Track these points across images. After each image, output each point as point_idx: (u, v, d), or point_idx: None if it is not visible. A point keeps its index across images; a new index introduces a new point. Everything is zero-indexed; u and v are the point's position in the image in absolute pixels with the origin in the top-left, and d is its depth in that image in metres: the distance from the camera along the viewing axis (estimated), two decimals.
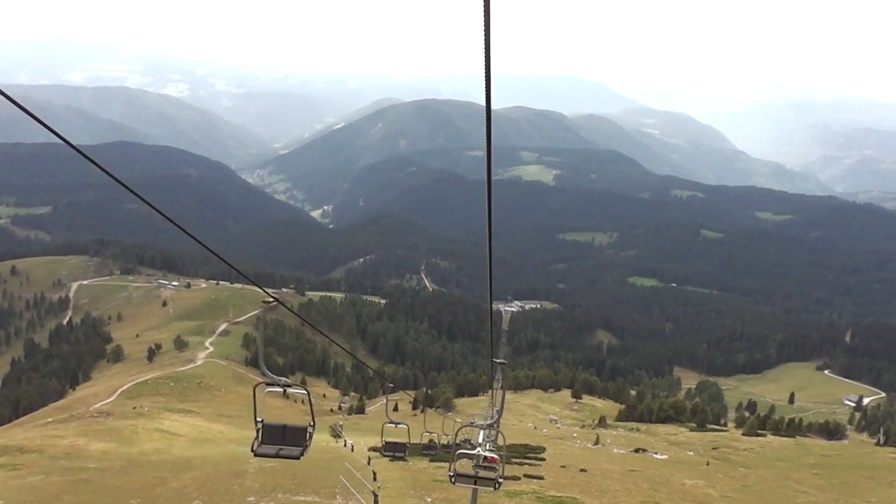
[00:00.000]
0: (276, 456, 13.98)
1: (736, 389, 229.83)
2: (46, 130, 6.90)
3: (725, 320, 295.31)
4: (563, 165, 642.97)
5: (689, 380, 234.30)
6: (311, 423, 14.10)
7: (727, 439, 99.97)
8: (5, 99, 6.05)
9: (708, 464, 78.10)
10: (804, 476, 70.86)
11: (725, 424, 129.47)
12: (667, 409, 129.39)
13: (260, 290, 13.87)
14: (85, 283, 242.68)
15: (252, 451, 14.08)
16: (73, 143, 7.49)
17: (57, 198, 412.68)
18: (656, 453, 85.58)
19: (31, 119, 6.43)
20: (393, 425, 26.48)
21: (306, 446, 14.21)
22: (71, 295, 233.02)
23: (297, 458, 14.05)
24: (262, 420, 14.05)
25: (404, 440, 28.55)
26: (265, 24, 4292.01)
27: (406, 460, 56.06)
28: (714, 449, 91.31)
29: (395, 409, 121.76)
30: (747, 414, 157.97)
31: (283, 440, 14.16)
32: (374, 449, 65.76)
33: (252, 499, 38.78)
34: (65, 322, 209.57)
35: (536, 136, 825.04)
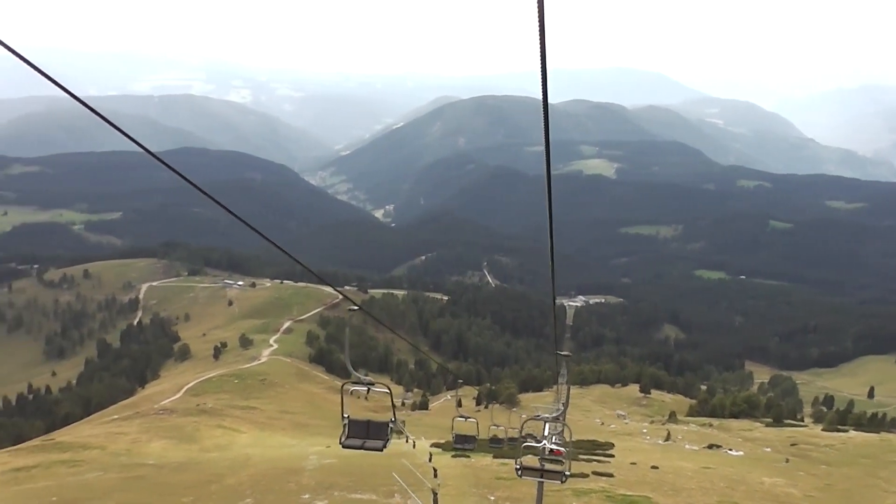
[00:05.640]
0: (362, 448, 15.60)
1: (811, 384, 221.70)
2: (116, 139, 6.18)
3: (797, 313, 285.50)
4: (624, 158, 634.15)
5: (760, 374, 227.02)
6: (393, 419, 15.66)
7: (806, 435, 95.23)
8: (77, 110, 5.62)
9: (787, 461, 74.24)
10: (892, 474, 66.53)
11: (803, 420, 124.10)
12: (740, 404, 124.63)
13: (328, 289, 13.81)
14: (154, 284, 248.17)
15: (340, 443, 15.65)
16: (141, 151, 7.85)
17: (126, 203, 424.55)
18: (731, 450, 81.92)
19: (102, 129, 5.81)
20: (463, 420, 28.31)
21: (388, 440, 15.71)
22: (140, 296, 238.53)
23: (380, 450, 15.59)
24: (349, 416, 15.60)
25: (474, 433, 30.18)
26: (324, 28, 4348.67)
27: (468, 455, 54.53)
28: (793, 445, 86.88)
29: (459, 404, 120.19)
30: (825, 409, 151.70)
31: (367, 434, 15.75)
32: (436, 445, 64.13)
33: (307, 496, 37.47)
34: (135, 322, 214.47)
35: (596, 129, 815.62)
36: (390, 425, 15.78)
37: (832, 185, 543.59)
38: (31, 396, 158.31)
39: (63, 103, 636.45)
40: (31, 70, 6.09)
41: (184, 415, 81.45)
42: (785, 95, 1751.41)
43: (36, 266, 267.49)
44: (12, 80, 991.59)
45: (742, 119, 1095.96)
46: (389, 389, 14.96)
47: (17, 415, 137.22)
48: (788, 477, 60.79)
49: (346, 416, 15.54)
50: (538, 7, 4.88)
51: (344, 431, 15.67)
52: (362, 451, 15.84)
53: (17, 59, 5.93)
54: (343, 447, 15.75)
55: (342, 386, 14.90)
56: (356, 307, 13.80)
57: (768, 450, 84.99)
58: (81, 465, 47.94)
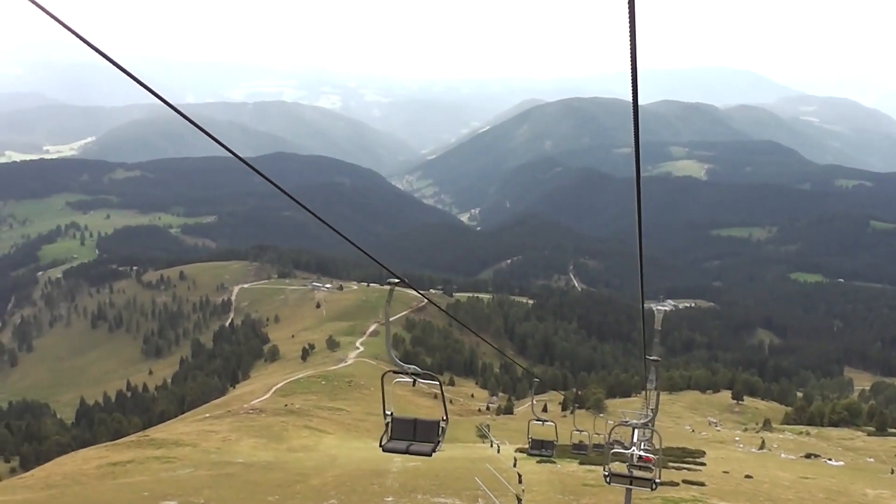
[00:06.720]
0: (406, 452, 13.10)
1: None
2: (212, 145, 8.40)
3: None
4: (715, 159, 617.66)
5: (861, 381, 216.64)
6: (444, 418, 13.38)
7: None
8: (175, 117, 6.55)
9: (893, 472, 70.62)
10: None
11: None
12: (840, 412, 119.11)
13: (413, 292, 12.63)
14: (245, 286, 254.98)
15: (380, 445, 13.20)
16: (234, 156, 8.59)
17: (221, 207, 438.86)
18: (831, 459, 78.33)
19: (199, 135, 7.76)
20: (540, 423, 26.56)
21: (438, 442, 13.24)
22: (233, 298, 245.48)
23: (429, 454, 13.03)
24: (392, 413, 13.26)
25: (552, 438, 28.18)
26: (412, 34, 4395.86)
27: (554, 461, 53.57)
28: None
29: (545, 409, 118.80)
30: None
31: (413, 435, 13.32)
32: (521, 450, 63.40)
33: (390, 499, 37.45)
34: (227, 323, 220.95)
35: (686, 130, 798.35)
36: (441, 425, 13.29)
37: None
38: (129, 393, 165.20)
39: (163, 111, 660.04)
40: (132, 80, 6.21)
41: (272, 415, 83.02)
42: (887, 91, 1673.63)
43: (135, 268, 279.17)
44: (117, 89, 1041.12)
45: (840, 116, 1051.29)
46: (439, 380, 12.72)
47: (116, 410, 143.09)
48: (894, 489, 57.60)
49: (388, 413, 13.15)
50: (629, 7, 4.87)
51: (386, 432, 13.21)
52: (408, 455, 13.30)
53: (119, 70, 6.07)
54: (384, 451, 13.11)
55: (382, 376, 12.71)
56: (397, 280, 10.98)
57: (871, 460, 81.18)
58: (174, 461, 49.30)
